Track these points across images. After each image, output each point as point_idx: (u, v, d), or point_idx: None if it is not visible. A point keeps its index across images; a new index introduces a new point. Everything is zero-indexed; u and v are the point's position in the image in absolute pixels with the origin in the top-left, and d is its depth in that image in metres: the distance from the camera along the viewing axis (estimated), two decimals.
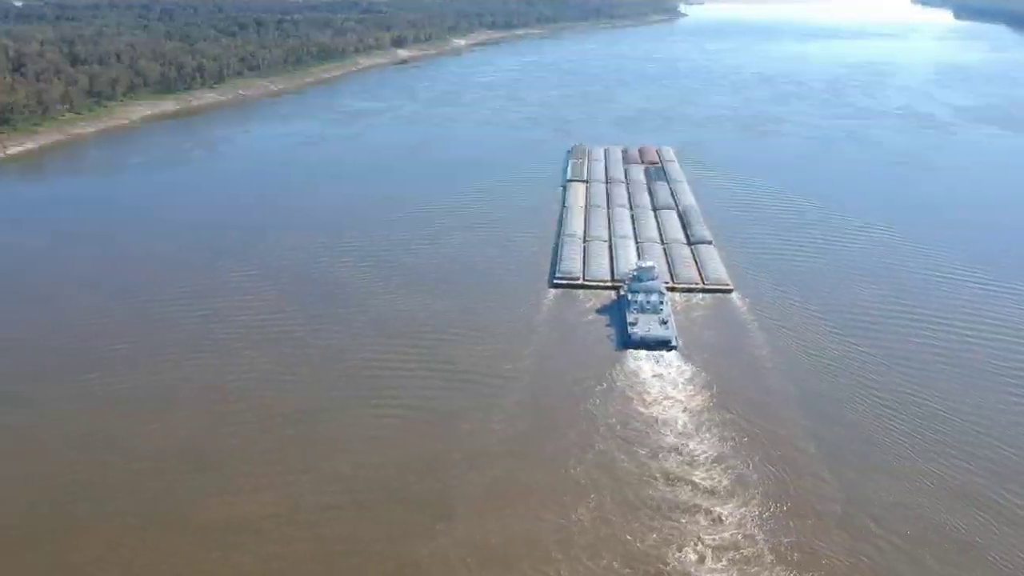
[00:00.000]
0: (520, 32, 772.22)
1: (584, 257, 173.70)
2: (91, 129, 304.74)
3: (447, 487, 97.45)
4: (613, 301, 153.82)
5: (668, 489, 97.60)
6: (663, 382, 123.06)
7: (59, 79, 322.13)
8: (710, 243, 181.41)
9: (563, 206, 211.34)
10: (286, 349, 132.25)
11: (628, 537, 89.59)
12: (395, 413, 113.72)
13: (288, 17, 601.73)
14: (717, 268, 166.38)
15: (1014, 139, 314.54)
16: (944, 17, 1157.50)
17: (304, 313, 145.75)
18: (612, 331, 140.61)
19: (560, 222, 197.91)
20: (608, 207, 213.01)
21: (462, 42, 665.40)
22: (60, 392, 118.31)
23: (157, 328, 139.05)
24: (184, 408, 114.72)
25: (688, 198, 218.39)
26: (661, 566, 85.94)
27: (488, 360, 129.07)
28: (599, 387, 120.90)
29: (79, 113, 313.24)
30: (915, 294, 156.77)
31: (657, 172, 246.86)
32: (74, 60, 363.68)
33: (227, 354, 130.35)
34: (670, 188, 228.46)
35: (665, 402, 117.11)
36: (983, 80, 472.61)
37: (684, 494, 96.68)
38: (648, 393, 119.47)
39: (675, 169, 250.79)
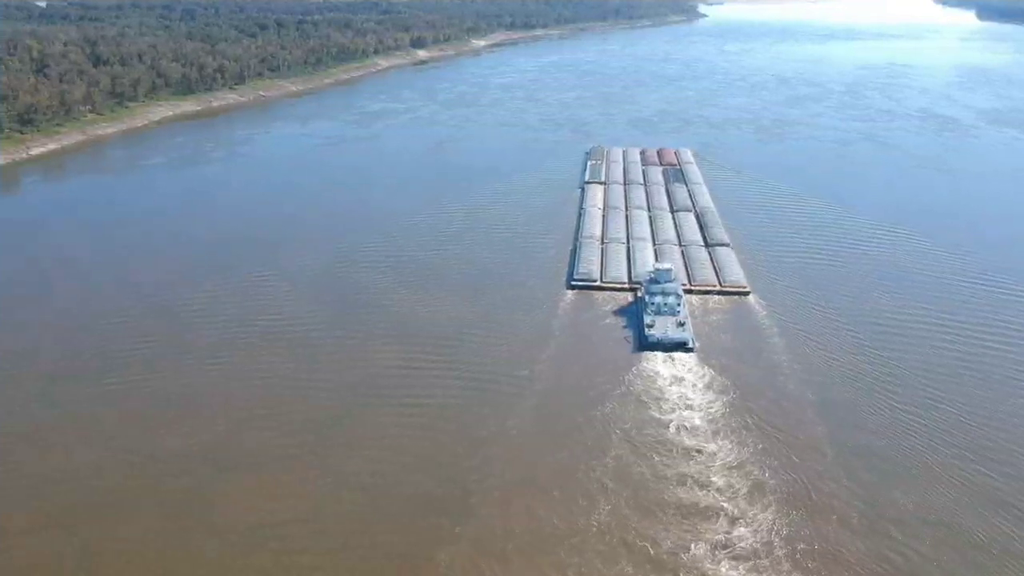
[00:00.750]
0: (539, 32, 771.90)
1: (602, 259, 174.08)
2: (112, 130, 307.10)
3: (465, 491, 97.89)
4: (630, 303, 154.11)
5: (684, 494, 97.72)
6: (680, 386, 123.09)
7: (81, 80, 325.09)
8: (727, 245, 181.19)
9: (581, 208, 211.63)
10: (306, 353, 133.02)
11: (643, 543, 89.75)
12: (413, 417, 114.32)
13: (308, 18, 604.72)
14: (734, 270, 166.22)
15: None
16: (967, 18, 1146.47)
17: (323, 316, 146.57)
18: (629, 333, 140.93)
19: (578, 223, 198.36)
20: (626, 209, 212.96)
21: (481, 43, 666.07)
22: (82, 394, 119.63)
23: (177, 331, 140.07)
24: (204, 411, 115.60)
25: (706, 200, 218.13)
26: (676, 572, 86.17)
27: (506, 362, 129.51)
28: (616, 391, 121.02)
29: (101, 114, 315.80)
30: (935, 299, 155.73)
31: (675, 174, 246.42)
32: (96, 61, 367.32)
33: (247, 358, 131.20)
34: (688, 190, 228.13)
35: (681, 406, 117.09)
36: (1005, 82, 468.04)
37: (700, 499, 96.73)
38: (665, 398, 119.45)
39: (693, 171, 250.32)
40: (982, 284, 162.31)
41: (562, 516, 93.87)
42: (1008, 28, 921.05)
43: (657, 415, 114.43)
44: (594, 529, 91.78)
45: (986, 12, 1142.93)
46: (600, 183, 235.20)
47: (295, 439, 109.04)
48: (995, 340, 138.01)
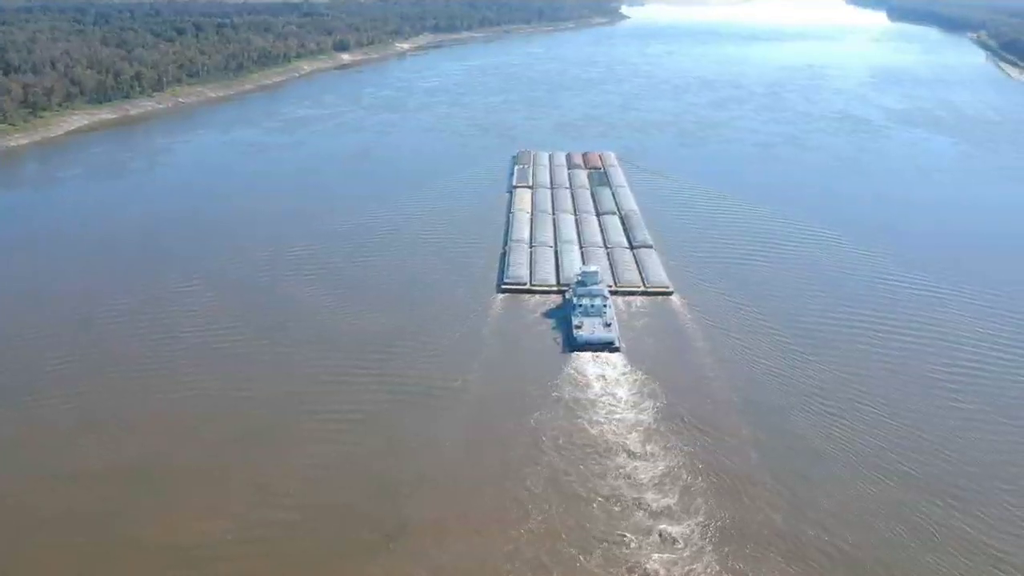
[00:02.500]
0: (463, 35, 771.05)
1: (531, 262, 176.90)
2: (26, 141, 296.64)
3: (397, 504, 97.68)
4: (559, 305, 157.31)
5: (614, 500, 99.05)
6: (607, 387, 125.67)
7: None
8: (651, 247, 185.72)
9: (509, 212, 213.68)
10: (232, 366, 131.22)
11: (575, 551, 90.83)
12: (344, 430, 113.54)
13: (227, 20, 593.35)
14: (657, 271, 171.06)
15: (942, 141, 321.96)
16: (878, 18, 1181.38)
17: (250, 328, 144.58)
18: (558, 334, 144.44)
19: (507, 228, 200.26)
20: (553, 212, 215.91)
21: (405, 46, 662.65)
22: (1, 412, 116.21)
23: (100, 345, 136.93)
24: (130, 428, 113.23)
25: (630, 203, 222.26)
26: None
27: (438, 369, 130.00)
28: (547, 395, 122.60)
29: (13, 124, 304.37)
30: (856, 297, 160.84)
31: (600, 177, 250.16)
32: (6, 68, 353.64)
33: (172, 371, 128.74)
34: (612, 193, 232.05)
35: (610, 409, 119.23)
36: (913, 82, 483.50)
37: (630, 504, 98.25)
38: (593, 404, 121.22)
39: (617, 174, 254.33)
40: (903, 284, 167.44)
41: (495, 526, 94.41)
42: (916, 29, 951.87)
43: (585, 424, 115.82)
44: (527, 539, 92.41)
45: (895, 13, 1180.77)
46: (527, 187, 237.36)
47: (222, 454, 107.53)
48: (917, 340, 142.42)
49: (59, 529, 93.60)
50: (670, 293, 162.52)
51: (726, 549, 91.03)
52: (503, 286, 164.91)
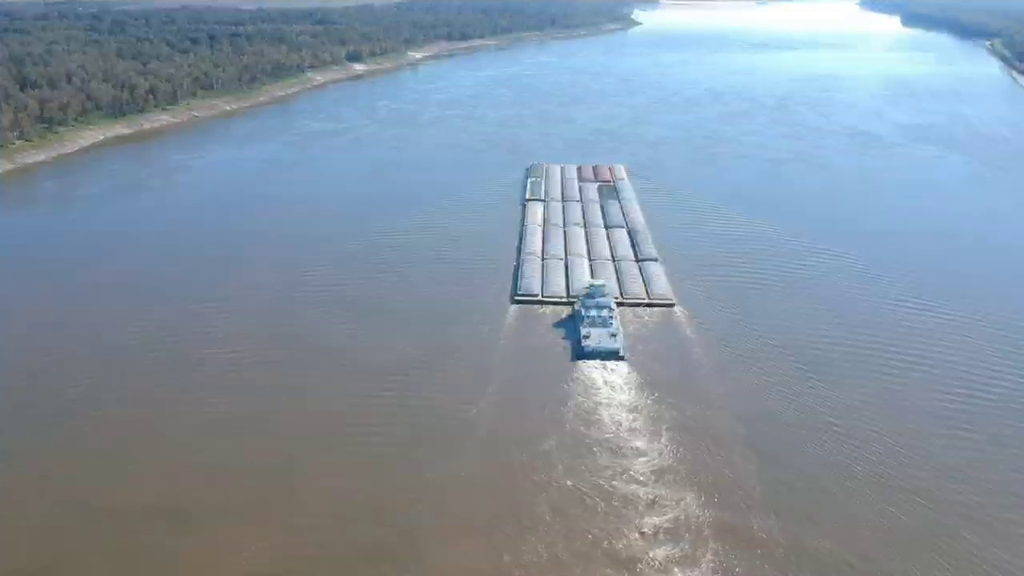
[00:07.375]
0: (476, 43, 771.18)
1: (542, 274, 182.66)
2: (43, 157, 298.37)
3: (414, 537, 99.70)
4: (568, 316, 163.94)
5: (619, 534, 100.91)
6: (611, 394, 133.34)
7: (8, 105, 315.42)
8: (656, 260, 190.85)
9: (522, 225, 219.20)
10: (251, 397, 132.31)
11: None
12: (362, 462, 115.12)
13: (241, 29, 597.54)
14: (662, 284, 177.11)
15: (955, 159, 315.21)
16: (892, 24, 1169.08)
17: (267, 357, 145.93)
18: (567, 343, 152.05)
19: (520, 240, 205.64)
20: (564, 225, 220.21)
21: (418, 55, 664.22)
22: (29, 446, 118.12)
23: (123, 376, 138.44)
24: (154, 464, 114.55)
25: (637, 216, 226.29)
26: None
27: (457, 385, 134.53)
28: (556, 412, 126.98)
29: (30, 140, 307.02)
30: (857, 320, 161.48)
31: (609, 191, 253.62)
32: (23, 83, 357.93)
33: (193, 404, 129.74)
34: (621, 207, 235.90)
35: (613, 424, 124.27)
36: (928, 96, 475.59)
37: (635, 537, 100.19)
38: (598, 416, 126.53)
39: (626, 187, 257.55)
40: (909, 305, 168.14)
41: (507, 557, 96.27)
42: (930, 36, 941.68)
43: (591, 436, 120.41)
44: (539, 571, 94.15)
45: (909, 19, 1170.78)
46: (540, 200, 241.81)
47: (246, 491, 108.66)
48: (921, 365, 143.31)
49: (86, 567, 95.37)
50: (672, 305, 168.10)
51: None
52: (516, 297, 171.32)
